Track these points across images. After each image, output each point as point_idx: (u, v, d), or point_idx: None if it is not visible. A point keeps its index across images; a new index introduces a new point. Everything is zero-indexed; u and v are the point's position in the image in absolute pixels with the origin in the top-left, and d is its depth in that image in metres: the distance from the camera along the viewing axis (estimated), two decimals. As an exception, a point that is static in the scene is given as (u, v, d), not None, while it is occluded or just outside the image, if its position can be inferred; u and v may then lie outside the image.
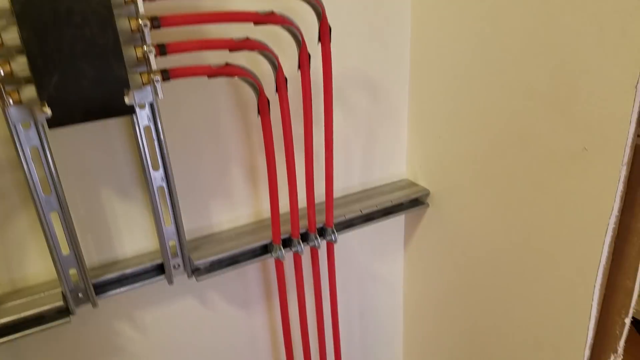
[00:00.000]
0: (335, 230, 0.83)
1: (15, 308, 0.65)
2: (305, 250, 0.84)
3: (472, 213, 0.82)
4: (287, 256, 0.88)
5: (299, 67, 0.69)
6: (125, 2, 0.55)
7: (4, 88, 0.52)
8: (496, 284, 0.81)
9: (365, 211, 0.87)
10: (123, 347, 0.80)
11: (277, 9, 0.62)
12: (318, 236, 0.82)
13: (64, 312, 0.67)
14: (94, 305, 0.69)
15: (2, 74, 0.51)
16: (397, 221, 1.02)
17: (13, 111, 0.55)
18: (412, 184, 0.96)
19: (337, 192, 0.91)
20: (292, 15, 0.66)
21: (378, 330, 1.11)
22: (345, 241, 0.96)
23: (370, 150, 0.92)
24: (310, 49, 0.68)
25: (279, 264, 0.81)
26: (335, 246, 0.94)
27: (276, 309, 0.92)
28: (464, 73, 0.76)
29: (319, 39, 0.68)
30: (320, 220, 0.82)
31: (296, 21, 0.65)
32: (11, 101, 0.53)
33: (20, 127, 0.56)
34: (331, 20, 0.76)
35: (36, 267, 0.69)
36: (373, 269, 1.04)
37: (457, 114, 0.80)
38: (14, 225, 0.66)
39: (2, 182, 0.63)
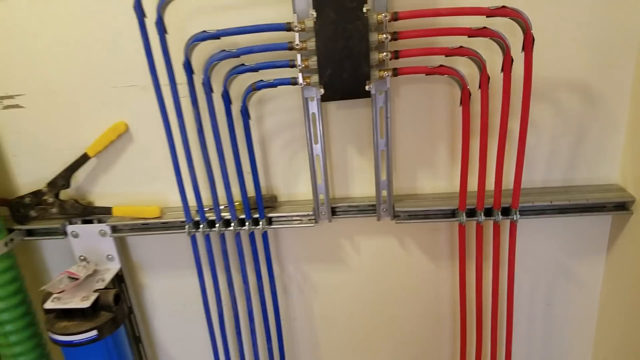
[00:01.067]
0: (518, 212, 0.96)
1: (286, 209, 1.08)
2: (488, 224, 1.00)
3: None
4: (471, 225, 1.05)
5: (502, 70, 0.85)
6: (378, 22, 0.85)
7: (303, 75, 0.90)
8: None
9: (555, 203, 0.96)
10: (342, 258, 1.16)
11: (488, 24, 0.81)
12: (501, 214, 0.97)
13: (312, 219, 1.06)
14: (329, 220, 1.05)
15: (303, 66, 0.89)
16: (599, 223, 1.04)
17: (306, 89, 0.93)
18: (620, 189, 0.97)
19: (536, 183, 1.02)
20: (501, 29, 0.83)
21: (566, 326, 1.15)
22: (537, 229, 1.06)
23: (577, 150, 0.99)
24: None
25: (461, 229, 1.01)
26: (523, 231, 1.06)
27: (457, 271, 1.11)
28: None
29: (523, 48, 0.83)
30: (507, 202, 0.97)
31: (504, 33, 0.82)
32: (305, 83, 0.91)
33: (308, 100, 0.95)
34: (545, 20, 0.88)
35: (303, 189, 1.10)
36: (566, 265, 1.09)
37: None
38: (295, 161, 1.07)
39: (295, 133, 1.04)
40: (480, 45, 0.87)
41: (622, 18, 0.88)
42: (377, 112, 0.95)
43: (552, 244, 1.08)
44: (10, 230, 1.13)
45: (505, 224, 1.02)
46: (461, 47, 0.85)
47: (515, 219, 0.97)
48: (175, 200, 1.12)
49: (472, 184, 0.98)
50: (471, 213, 0.99)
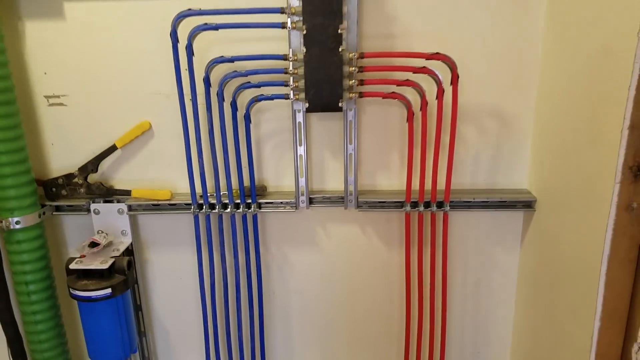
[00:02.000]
0: (449, 205, 1.29)
1: (273, 197, 1.38)
2: (427, 215, 1.33)
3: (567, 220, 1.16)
4: (415, 215, 1.37)
5: (436, 97, 1.20)
6: (350, 58, 1.19)
7: (293, 92, 1.23)
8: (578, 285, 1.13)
9: (477, 200, 1.30)
10: (316, 242, 1.46)
11: (429, 64, 1.16)
12: (436, 206, 1.30)
13: (293, 206, 1.36)
14: (307, 207, 1.36)
15: (294, 86, 1.22)
16: (513, 218, 1.38)
17: (295, 103, 1.26)
18: (528, 192, 1.32)
19: (465, 185, 1.36)
20: (438, 67, 1.18)
21: (491, 302, 1.47)
22: (467, 222, 1.39)
23: (496, 160, 1.33)
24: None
25: (407, 217, 1.33)
26: (455, 222, 1.39)
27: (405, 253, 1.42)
28: (582, 103, 1.12)
29: (451, 83, 1.18)
30: (441, 197, 1.30)
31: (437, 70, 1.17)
32: (294, 98, 1.23)
33: (296, 111, 1.27)
34: (471, 62, 1.24)
35: (288, 182, 1.40)
36: (490, 252, 1.42)
37: (569, 143, 1.14)
38: (283, 159, 1.38)
39: (284, 137, 1.36)
40: (423, 78, 1.22)
41: (523, 56, 1.24)
42: (347, 124, 1.28)
43: (478, 234, 1.41)
44: (43, 206, 1.40)
45: (440, 215, 1.35)
46: (408, 80, 1.20)
47: (446, 210, 1.30)
48: (183, 187, 1.41)
49: (417, 183, 1.31)
50: (415, 205, 1.32)
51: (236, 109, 1.27)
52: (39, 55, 1.32)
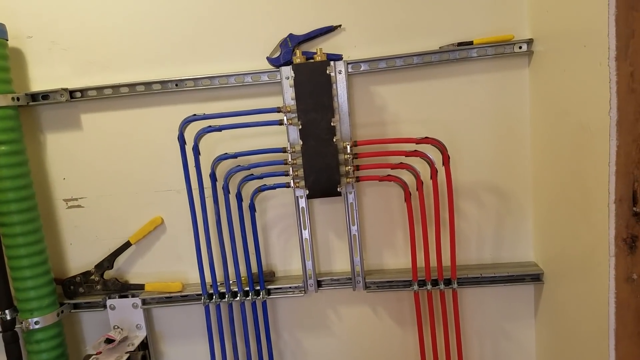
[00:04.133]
0: (456, 282, 1.32)
1: (282, 282, 1.43)
2: (436, 292, 1.36)
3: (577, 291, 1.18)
4: (423, 293, 1.40)
5: (430, 177, 1.28)
6: (344, 147, 1.29)
7: (294, 181, 1.32)
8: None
9: (484, 275, 1.33)
10: (327, 325, 1.49)
11: (421, 147, 1.25)
12: (443, 284, 1.33)
13: (302, 290, 1.41)
14: (316, 291, 1.41)
15: (294, 175, 1.31)
16: (524, 292, 1.39)
17: (296, 190, 1.35)
18: (534, 265, 1.34)
19: (471, 260, 1.40)
20: (430, 150, 1.26)
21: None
22: (477, 298, 1.41)
23: (499, 235, 1.37)
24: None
25: (416, 296, 1.36)
26: (465, 298, 1.40)
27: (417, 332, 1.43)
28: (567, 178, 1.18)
29: (443, 163, 1.26)
30: (448, 274, 1.34)
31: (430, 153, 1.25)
32: (295, 186, 1.33)
33: (298, 198, 1.36)
34: (462, 142, 1.32)
35: (296, 265, 1.46)
36: (504, 327, 1.42)
37: (566, 216, 1.18)
38: (289, 244, 1.45)
39: (288, 222, 1.44)
40: (416, 160, 1.30)
41: (513, 134, 1.32)
42: (348, 207, 1.36)
43: (490, 310, 1.42)
44: (61, 304, 1.48)
45: (449, 292, 1.37)
46: (401, 162, 1.28)
47: (454, 287, 1.33)
48: (194, 277, 1.48)
49: (423, 260, 1.35)
50: (423, 284, 1.35)
51: (241, 200, 1.37)
52: (59, 163, 1.47)
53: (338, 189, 1.29)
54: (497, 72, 1.31)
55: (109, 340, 1.42)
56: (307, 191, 1.30)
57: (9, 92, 1.33)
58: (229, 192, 1.37)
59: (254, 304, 1.44)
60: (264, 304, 1.44)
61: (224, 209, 1.38)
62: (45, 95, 1.38)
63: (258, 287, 1.42)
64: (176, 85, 1.36)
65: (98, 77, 1.40)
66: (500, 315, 1.43)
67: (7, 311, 1.40)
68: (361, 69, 1.31)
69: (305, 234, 1.39)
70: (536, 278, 1.33)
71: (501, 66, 1.31)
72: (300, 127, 1.25)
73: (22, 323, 1.40)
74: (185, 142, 1.33)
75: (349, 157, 1.28)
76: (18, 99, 1.35)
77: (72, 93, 1.38)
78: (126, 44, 1.39)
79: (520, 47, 1.27)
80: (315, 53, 1.24)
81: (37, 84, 1.43)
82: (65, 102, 1.38)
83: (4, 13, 1.37)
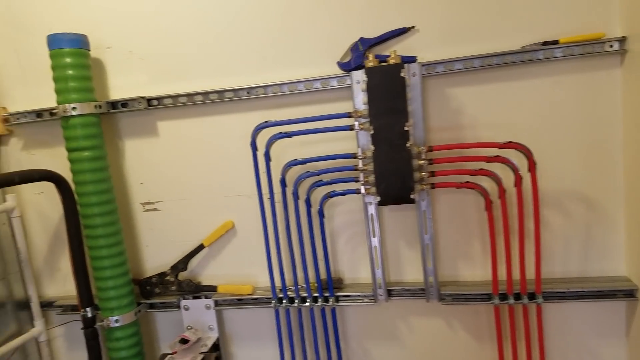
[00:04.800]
0: (541, 296, 1.24)
1: (350, 290, 1.41)
2: (519, 307, 1.28)
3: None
4: (503, 307, 1.32)
5: (515, 184, 1.20)
6: (418, 152, 1.24)
7: (365, 187, 1.30)
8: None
9: (572, 289, 1.24)
10: (397, 336, 1.45)
11: (502, 153, 1.18)
12: (527, 298, 1.25)
13: (372, 299, 1.38)
14: (386, 300, 1.38)
15: (365, 181, 1.29)
16: (615, 309, 1.28)
17: (366, 197, 1.32)
18: (627, 280, 1.23)
19: (556, 274, 1.30)
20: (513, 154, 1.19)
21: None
22: (563, 314, 1.31)
23: (587, 247, 1.27)
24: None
25: (496, 310, 1.29)
26: (549, 313, 1.31)
27: (497, 350, 1.36)
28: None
29: (528, 170, 1.18)
30: (532, 288, 1.26)
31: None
32: (366, 193, 1.30)
33: (368, 205, 1.33)
34: (548, 147, 1.24)
35: (364, 273, 1.44)
36: (592, 346, 1.32)
37: None
38: (357, 251, 1.43)
39: (357, 229, 1.41)
40: (498, 166, 1.23)
41: (604, 140, 1.22)
42: (421, 215, 1.31)
43: (577, 327, 1.32)
44: (138, 304, 1.55)
45: (533, 307, 1.29)
46: (482, 169, 1.22)
47: (539, 301, 1.24)
48: (263, 281, 1.50)
49: (504, 273, 1.28)
50: (504, 297, 1.28)
51: (310, 206, 1.36)
52: (136, 168, 1.53)
53: (411, 196, 1.25)
54: (585, 72, 1.21)
55: (184, 341, 1.47)
56: (379, 198, 1.27)
57: (92, 100, 1.41)
58: (298, 198, 1.37)
59: (322, 311, 1.43)
60: (333, 311, 1.43)
61: (293, 215, 1.38)
62: (124, 103, 1.45)
63: (327, 294, 1.41)
64: (247, 92, 1.37)
65: (173, 86, 1.45)
66: (587, 333, 1.32)
67: (88, 309, 1.48)
68: (436, 71, 1.26)
69: (375, 241, 1.36)
70: (629, 294, 1.22)
71: (590, 66, 1.21)
72: (372, 132, 1.22)
73: (102, 321, 1.48)
74: (257, 149, 1.34)
75: (424, 163, 1.24)
76: (100, 106, 1.43)
77: (149, 101, 1.44)
78: (199, 53, 1.42)
79: (611, 46, 1.17)
80: (388, 56, 1.21)
81: (115, 92, 1.50)
82: (143, 109, 1.43)
83: (87, 25, 1.45)
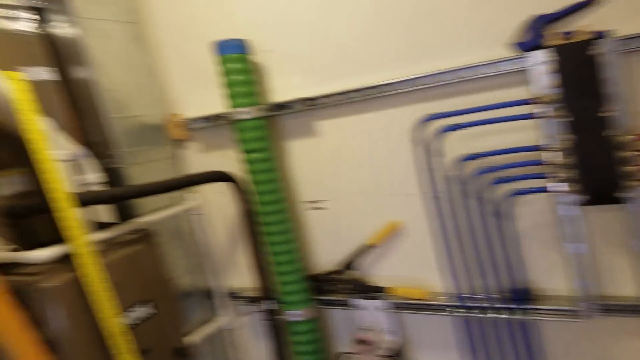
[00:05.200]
0: None
1: (546, 302, 1.21)
2: None
3: None
4: None
5: None
6: (626, 143, 0.96)
7: (559, 185, 1.06)
8: None
9: None
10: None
11: None
12: None
13: (575, 314, 1.16)
14: (595, 317, 1.14)
15: (559, 177, 1.05)
16: None
17: (561, 196, 1.09)
18: None
19: None
20: None
21: None
22: None
23: None
24: None
25: None
26: None
27: None
28: None
29: None
30: None
31: None
32: (562, 191, 1.07)
33: (561, 205, 1.10)
34: None
35: (555, 284, 1.22)
36: None
37: None
38: (549, 258, 1.21)
39: (545, 234, 1.19)
40: None
41: None
42: (634, 216, 1.03)
43: None
44: (314, 300, 1.59)
45: None
46: None
47: None
48: (432, 286, 1.39)
49: None
50: None
51: (486, 205, 1.19)
52: (300, 167, 1.55)
53: (618, 195, 0.99)
54: None
55: (362, 342, 1.46)
56: (579, 197, 1.03)
57: (260, 103, 1.45)
58: (472, 197, 1.21)
59: (509, 324, 1.26)
60: (524, 325, 1.25)
61: (466, 215, 1.23)
62: (286, 105, 1.47)
63: (513, 305, 1.23)
64: (402, 84, 1.25)
65: (328, 86, 1.40)
66: None
67: (268, 301, 1.57)
68: (632, 46, 0.97)
69: (576, 247, 1.12)
70: None
71: None
72: (564, 120, 0.99)
73: (283, 314, 1.55)
74: (422, 144, 1.22)
75: (633, 155, 0.96)
76: (269, 109, 1.47)
77: (308, 101, 1.43)
78: (354, 49, 1.35)
79: None
80: (572, 33, 0.95)
81: (273, 94, 1.52)
82: (305, 110, 1.43)
83: (250, 30, 1.48)
